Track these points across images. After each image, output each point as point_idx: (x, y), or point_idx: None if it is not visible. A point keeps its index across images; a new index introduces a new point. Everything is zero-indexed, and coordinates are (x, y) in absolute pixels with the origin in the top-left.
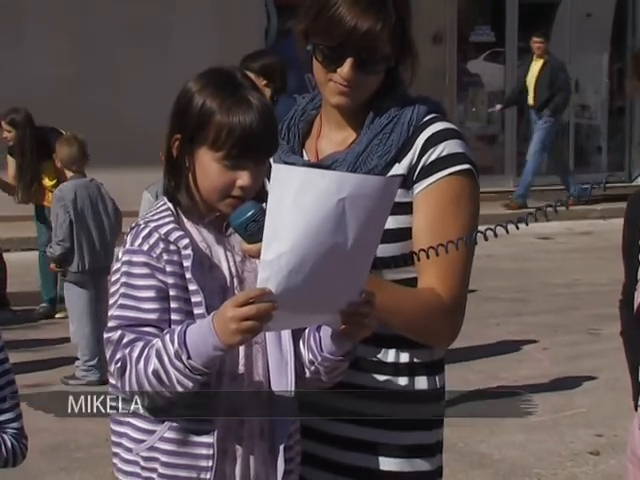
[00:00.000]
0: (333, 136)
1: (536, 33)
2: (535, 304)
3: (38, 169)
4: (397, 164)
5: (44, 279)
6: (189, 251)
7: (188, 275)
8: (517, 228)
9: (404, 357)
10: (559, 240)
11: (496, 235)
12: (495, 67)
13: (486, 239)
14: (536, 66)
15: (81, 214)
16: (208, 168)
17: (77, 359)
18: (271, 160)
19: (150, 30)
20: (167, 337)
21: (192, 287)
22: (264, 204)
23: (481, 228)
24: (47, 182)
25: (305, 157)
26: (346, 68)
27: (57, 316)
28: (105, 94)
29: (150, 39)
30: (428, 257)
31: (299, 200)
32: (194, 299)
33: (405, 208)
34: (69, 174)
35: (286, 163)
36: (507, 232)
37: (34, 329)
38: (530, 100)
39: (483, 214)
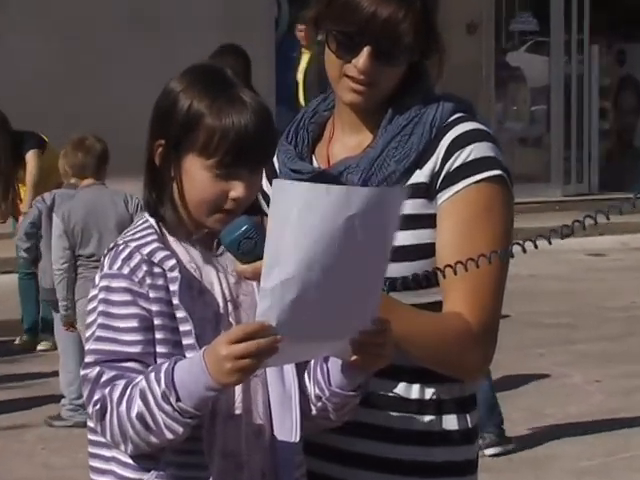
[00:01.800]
0: (347, 140)
1: None
2: (585, 330)
3: (12, 179)
4: (418, 170)
5: (25, 306)
6: (176, 273)
7: (175, 301)
8: (550, 242)
9: (430, 392)
10: (613, 257)
11: (536, 246)
12: (539, 59)
13: (524, 251)
14: None
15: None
16: (197, 177)
17: (63, 397)
18: (276, 167)
19: (148, 20)
20: (152, 375)
21: (180, 314)
22: (257, 218)
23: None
24: (24, 193)
25: (315, 163)
26: (363, 58)
27: (39, 348)
28: (95, 94)
29: (148, 30)
30: (456, 273)
31: (303, 220)
32: (182, 328)
33: (427, 221)
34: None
35: (292, 170)
36: (550, 243)
37: (14, 363)
38: None
39: (524, 228)
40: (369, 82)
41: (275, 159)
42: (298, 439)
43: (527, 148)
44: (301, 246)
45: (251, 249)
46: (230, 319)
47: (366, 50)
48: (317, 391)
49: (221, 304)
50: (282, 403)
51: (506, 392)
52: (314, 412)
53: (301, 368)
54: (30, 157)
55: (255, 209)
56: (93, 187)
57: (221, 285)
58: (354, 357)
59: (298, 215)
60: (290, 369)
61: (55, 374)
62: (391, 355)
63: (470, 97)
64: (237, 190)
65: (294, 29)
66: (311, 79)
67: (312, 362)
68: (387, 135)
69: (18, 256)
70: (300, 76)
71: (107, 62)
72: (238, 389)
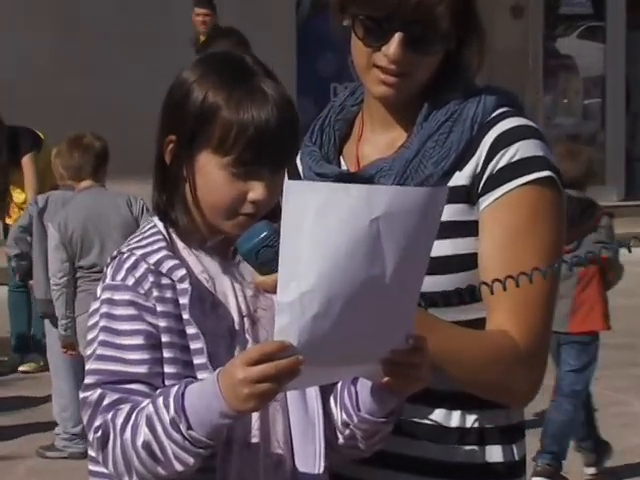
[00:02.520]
0: (378, 138)
1: None
2: None
3: (8, 179)
4: (458, 172)
5: (15, 322)
6: (186, 285)
7: (185, 315)
8: (599, 260)
9: (471, 420)
10: None
11: (586, 264)
12: (593, 46)
13: (570, 269)
14: None
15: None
16: (212, 177)
17: (57, 425)
18: (300, 170)
19: (150, 4)
20: (160, 400)
21: (191, 330)
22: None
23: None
24: (17, 196)
25: (343, 165)
26: (393, 45)
27: (21, 369)
28: (94, 84)
29: (150, 14)
30: (505, 289)
31: (321, 224)
32: (193, 345)
33: (468, 229)
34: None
35: (317, 174)
36: (599, 260)
37: (2, 386)
38: None
39: None
40: (401, 72)
41: (299, 162)
42: (322, 471)
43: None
44: (320, 255)
45: (271, 258)
46: (246, 336)
47: (397, 37)
48: (344, 417)
49: (236, 319)
50: (304, 430)
51: None
52: (341, 441)
53: (326, 391)
54: (27, 163)
55: (277, 216)
56: (92, 190)
57: (237, 298)
58: (386, 379)
59: (314, 220)
60: (313, 392)
61: (48, 399)
62: (427, 377)
63: (515, 89)
64: (256, 191)
65: (317, 13)
66: None
67: (339, 384)
68: (423, 133)
69: (9, 266)
70: None
71: (112, 49)
72: (255, 415)
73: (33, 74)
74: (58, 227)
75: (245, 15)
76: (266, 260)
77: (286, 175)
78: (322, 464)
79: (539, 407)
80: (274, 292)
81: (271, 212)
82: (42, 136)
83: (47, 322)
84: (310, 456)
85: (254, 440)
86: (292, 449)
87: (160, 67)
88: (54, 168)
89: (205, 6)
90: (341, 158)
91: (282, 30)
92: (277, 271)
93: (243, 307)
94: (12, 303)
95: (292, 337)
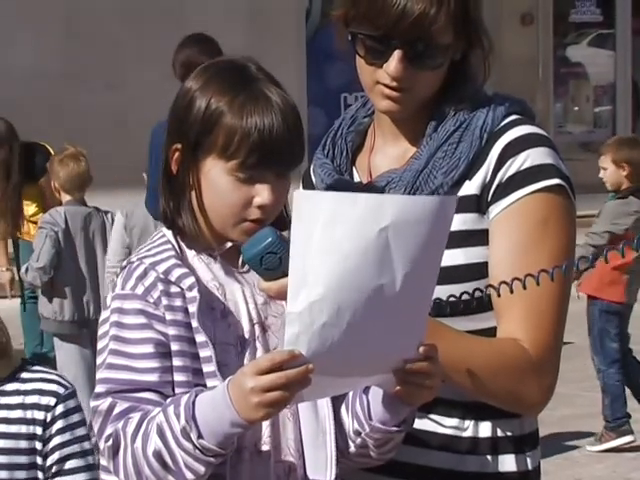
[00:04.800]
0: (389, 149)
1: None
2: None
3: (21, 198)
4: (467, 182)
5: (28, 335)
6: (195, 293)
7: (194, 323)
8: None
9: (484, 429)
10: None
11: (593, 265)
12: (603, 54)
13: (593, 265)
14: None
15: (71, 249)
16: (217, 183)
17: None
18: (313, 181)
19: (161, 11)
20: (171, 409)
21: (200, 338)
22: (286, 233)
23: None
24: (26, 209)
25: (356, 176)
26: (393, 63)
27: None
28: (101, 93)
29: (161, 23)
30: (512, 291)
31: (330, 234)
32: (202, 353)
33: (479, 238)
34: (64, 197)
35: (329, 187)
36: (606, 261)
37: None
38: None
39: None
40: (403, 88)
41: (312, 174)
42: (333, 478)
43: (590, 154)
44: (329, 264)
45: (276, 265)
46: (257, 343)
47: (397, 54)
48: (356, 426)
49: (247, 327)
50: (315, 437)
51: (569, 430)
52: (352, 449)
53: (338, 399)
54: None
55: (285, 224)
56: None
57: (247, 305)
58: (397, 388)
59: (323, 229)
60: (324, 400)
61: None
62: (439, 386)
63: (525, 97)
64: (262, 195)
65: (326, 24)
66: None
67: (350, 393)
68: (432, 144)
69: (26, 282)
70: None
71: (120, 56)
72: (266, 422)
73: (43, 87)
74: (125, 214)
75: (254, 26)
76: (271, 266)
77: (301, 187)
78: (333, 471)
79: None
80: (279, 298)
81: (276, 220)
82: (52, 151)
83: (56, 338)
84: (321, 463)
85: (265, 447)
86: (303, 456)
87: (172, 77)
88: (57, 185)
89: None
90: (354, 169)
91: (291, 41)
92: (282, 277)
93: (254, 314)
94: (24, 315)
95: (302, 346)
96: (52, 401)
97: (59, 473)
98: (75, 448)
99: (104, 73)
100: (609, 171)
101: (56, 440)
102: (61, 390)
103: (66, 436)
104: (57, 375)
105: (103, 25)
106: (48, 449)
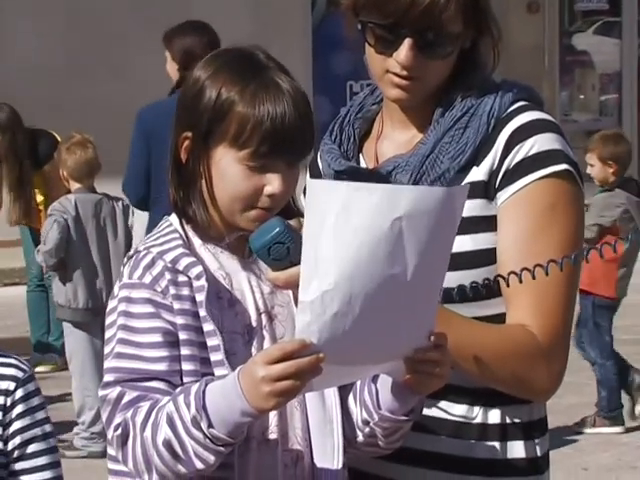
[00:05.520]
0: (396, 136)
1: None
2: None
3: (29, 182)
4: (475, 168)
5: (34, 321)
6: (202, 282)
7: (202, 312)
8: (615, 251)
9: (494, 416)
10: None
11: (602, 255)
12: (609, 42)
13: (587, 261)
14: None
15: (82, 237)
16: (228, 171)
17: (76, 424)
18: (320, 167)
19: (165, 0)
20: (181, 398)
21: (207, 327)
22: (295, 221)
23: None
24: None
25: (363, 163)
26: (403, 52)
27: (38, 370)
28: (106, 85)
29: (165, 12)
30: (521, 281)
31: (342, 223)
32: (210, 342)
33: (487, 224)
34: (74, 185)
35: (336, 172)
36: (615, 251)
37: None
38: None
39: None
40: (413, 76)
41: (319, 159)
42: (340, 465)
43: None
44: (341, 254)
45: (284, 255)
46: (264, 332)
47: (407, 43)
48: (364, 415)
49: (254, 316)
50: (322, 426)
51: (576, 419)
52: (360, 439)
53: (345, 389)
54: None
55: (291, 214)
56: None
57: (254, 295)
58: (407, 376)
59: (336, 219)
60: (331, 390)
61: (65, 398)
62: (448, 375)
63: (531, 85)
64: (273, 184)
65: (332, 11)
66: None
67: (358, 382)
68: (439, 129)
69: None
70: None
71: (123, 46)
72: (273, 411)
73: (46, 75)
74: None
75: (260, 15)
76: (279, 256)
77: (308, 173)
78: (341, 459)
79: None
80: (287, 288)
81: (283, 210)
82: (59, 138)
83: (67, 325)
84: (329, 451)
85: (272, 436)
86: (310, 445)
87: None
88: (65, 173)
89: None
90: (360, 156)
91: (297, 29)
92: (290, 267)
93: (260, 304)
94: (31, 303)
95: (313, 335)
96: (12, 385)
97: (22, 457)
98: (37, 432)
99: (107, 63)
100: (596, 168)
101: (17, 424)
102: (20, 374)
103: (27, 420)
104: (15, 358)
105: (105, 15)
106: (9, 433)
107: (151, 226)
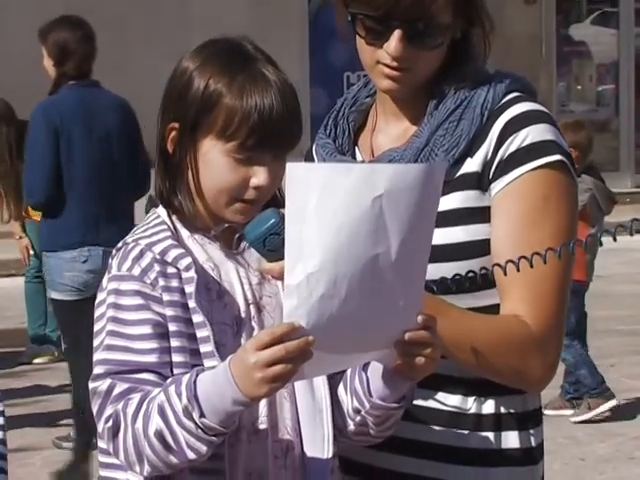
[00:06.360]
0: (391, 128)
1: None
2: None
3: (20, 179)
4: (469, 159)
5: (31, 312)
6: (192, 273)
7: (192, 304)
8: (615, 239)
9: (488, 406)
10: None
11: (601, 243)
12: (606, 32)
13: (586, 249)
14: None
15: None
16: (215, 163)
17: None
18: (315, 161)
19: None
20: (172, 389)
21: (197, 319)
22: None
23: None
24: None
25: (358, 156)
26: (393, 43)
27: (36, 361)
28: (105, 84)
29: (163, 4)
30: (518, 270)
31: (324, 205)
32: (200, 334)
33: (480, 215)
34: None
35: None
36: (614, 239)
37: (17, 377)
38: None
39: None
40: (404, 67)
41: (314, 154)
42: (331, 455)
43: (593, 133)
44: (324, 235)
45: (279, 246)
46: (252, 323)
47: (397, 34)
48: (355, 403)
49: (242, 307)
50: (312, 416)
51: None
52: (351, 427)
53: (335, 378)
54: None
55: (278, 205)
56: None
57: (242, 286)
58: (397, 362)
59: (317, 201)
60: (320, 378)
61: (63, 390)
62: (438, 358)
63: (528, 75)
64: (259, 177)
65: (328, 3)
66: None
67: (348, 370)
68: (433, 122)
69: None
70: None
71: (122, 37)
72: (263, 401)
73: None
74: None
75: (257, 7)
76: (274, 247)
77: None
78: (331, 449)
79: None
80: (282, 279)
81: (270, 201)
82: None
83: None
84: (319, 441)
85: (262, 426)
86: (300, 435)
87: (176, 58)
88: None
89: None
90: (356, 149)
91: (294, 21)
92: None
93: (249, 295)
94: (28, 293)
95: (301, 319)
96: None
97: None
98: None
99: (106, 62)
100: None
101: None
102: None
103: None
104: None
105: (104, 6)
106: None
107: (56, 231)
